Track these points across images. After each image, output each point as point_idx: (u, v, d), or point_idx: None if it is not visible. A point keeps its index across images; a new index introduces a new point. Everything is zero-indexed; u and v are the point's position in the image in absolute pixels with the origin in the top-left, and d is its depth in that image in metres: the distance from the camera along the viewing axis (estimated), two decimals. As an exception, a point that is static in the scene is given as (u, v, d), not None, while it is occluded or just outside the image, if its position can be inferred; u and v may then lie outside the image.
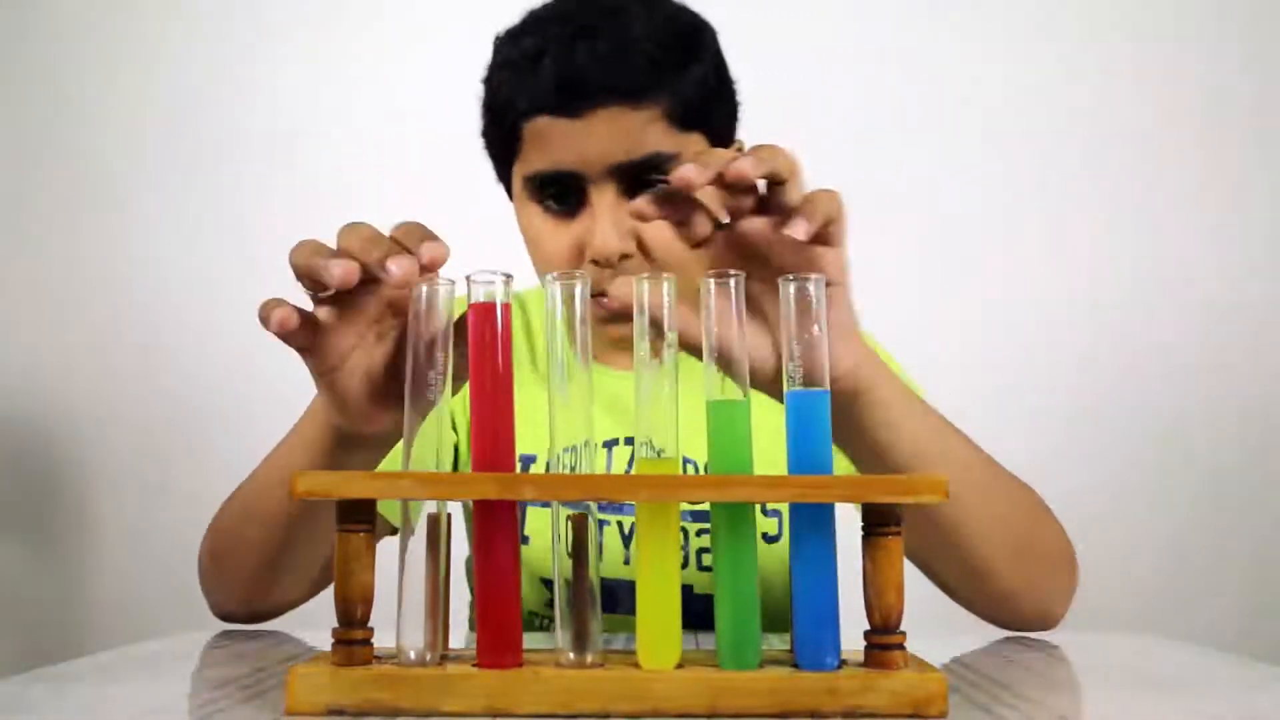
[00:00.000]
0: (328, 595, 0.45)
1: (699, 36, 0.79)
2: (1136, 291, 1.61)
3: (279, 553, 0.68)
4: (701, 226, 0.53)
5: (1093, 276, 1.61)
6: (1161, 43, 1.64)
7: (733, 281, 0.47)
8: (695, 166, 0.50)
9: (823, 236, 0.53)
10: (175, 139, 1.62)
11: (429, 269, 0.48)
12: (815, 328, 0.46)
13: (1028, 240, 1.61)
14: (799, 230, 0.51)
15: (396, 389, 0.54)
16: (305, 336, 0.52)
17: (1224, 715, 0.45)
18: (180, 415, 1.58)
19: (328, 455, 0.59)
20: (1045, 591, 0.69)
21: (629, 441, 0.85)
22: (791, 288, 0.47)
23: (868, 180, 1.55)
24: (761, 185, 0.53)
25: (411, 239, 0.49)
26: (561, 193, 0.77)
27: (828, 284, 0.51)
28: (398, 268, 0.47)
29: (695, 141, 0.77)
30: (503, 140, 0.80)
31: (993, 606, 0.68)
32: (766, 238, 0.54)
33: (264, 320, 0.51)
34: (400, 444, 0.61)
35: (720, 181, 0.51)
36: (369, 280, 0.51)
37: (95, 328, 1.60)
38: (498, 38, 0.80)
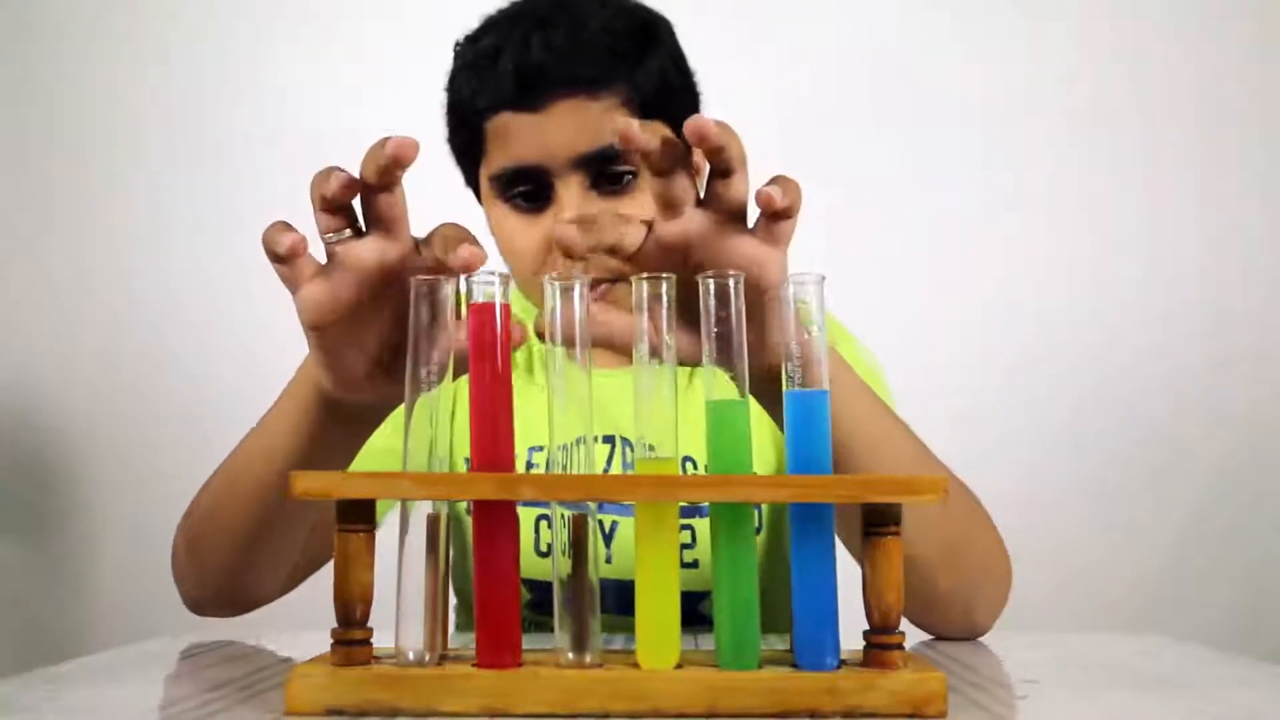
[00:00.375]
0: (326, 597, 0.45)
1: (654, 29, 0.80)
2: (1136, 293, 1.61)
3: (258, 532, 0.66)
4: (633, 237, 0.51)
5: (1093, 277, 1.61)
6: (1162, 43, 1.63)
7: (732, 283, 0.47)
8: (635, 125, 0.48)
9: (770, 232, 0.51)
10: (176, 139, 1.62)
11: (400, 163, 0.49)
12: (814, 328, 0.46)
13: (1027, 241, 1.61)
14: (775, 195, 0.49)
15: (387, 363, 0.53)
16: (309, 273, 0.51)
17: (1224, 715, 0.45)
18: (181, 415, 1.58)
19: (314, 422, 0.58)
20: (974, 600, 0.67)
21: (607, 439, 0.86)
22: (791, 289, 0.46)
23: (867, 180, 1.56)
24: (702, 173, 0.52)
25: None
26: (527, 189, 0.77)
27: (763, 291, 0.50)
28: (395, 146, 0.49)
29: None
30: (467, 142, 0.80)
31: (920, 610, 0.67)
32: (705, 232, 0.51)
33: (270, 244, 0.50)
34: (367, 445, 0.61)
35: (665, 149, 0.49)
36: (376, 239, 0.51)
37: (95, 328, 1.60)
38: (457, 43, 0.81)
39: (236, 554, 0.67)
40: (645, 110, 0.76)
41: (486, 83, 0.76)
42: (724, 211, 0.51)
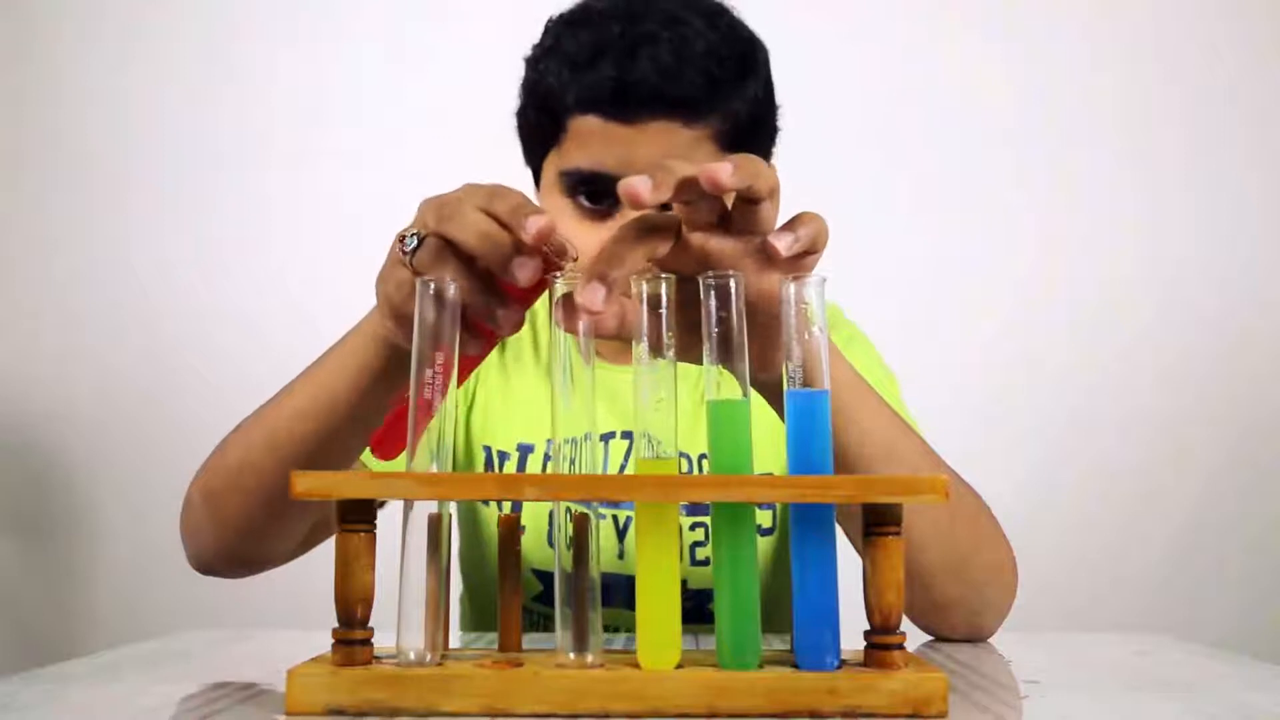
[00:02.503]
0: (326, 596, 0.45)
1: (754, 57, 0.78)
2: (1136, 293, 1.61)
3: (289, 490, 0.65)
4: (663, 249, 0.50)
5: (1093, 278, 1.61)
6: (1160, 44, 1.63)
7: (733, 283, 0.47)
8: (648, 183, 0.47)
9: (794, 264, 0.50)
10: (177, 139, 1.62)
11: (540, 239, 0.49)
12: (815, 329, 0.46)
13: (1028, 241, 1.61)
14: (782, 243, 0.48)
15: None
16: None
17: (1224, 715, 0.45)
18: (181, 415, 1.57)
19: (377, 374, 0.59)
20: (981, 606, 0.67)
21: (626, 435, 0.86)
22: (791, 288, 0.46)
23: (870, 178, 1.56)
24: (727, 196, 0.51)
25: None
26: (597, 192, 0.76)
27: (777, 315, 0.48)
28: (534, 225, 0.49)
29: None
30: (543, 128, 0.78)
31: (925, 615, 0.67)
32: (726, 256, 0.51)
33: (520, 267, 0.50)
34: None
35: (680, 194, 0.48)
36: None
37: (96, 327, 1.60)
38: (551, 21, 0.79)
39: (263, 512, 0.66)
40: (733, 141, 0.75)
41: (582, 81, 0.74)
42: (748, 235, 0.51)
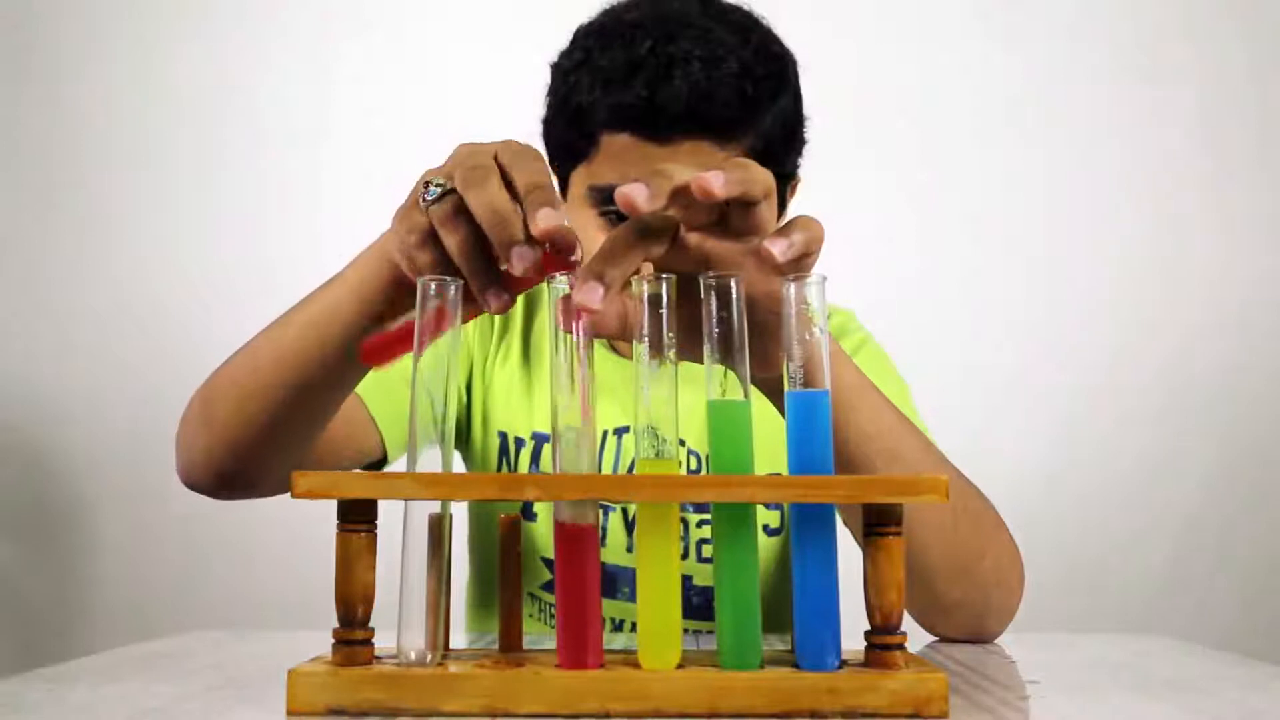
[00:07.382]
0: (327, 596, 0.45)
1: (785, 72, 0.78)
2: (1138, 294, 1.61)
3: (288, 400, 0.64)
4: (658, 251, 0.50)
5: (1097, 279, 1.61)
6: (1163, 45, 1.63)
7: (733, 283, 0.47)
8: (644, 191, 0.47)
9: (789, 269, 0.50)
10: (177, 140, 1.62)
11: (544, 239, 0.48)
12: (815, 329, 0.46)
13: (1036, 235, 1.61)
14: (777, 248, 0.48)
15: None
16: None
17: (1224, 715, 0.45)
18: (180, 415, 1.57)
19: (388, 290, 0.59)
20: (986, 609, 0.67)
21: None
22: (792, 288, 0.46)
23: (871, 178, 1.56)
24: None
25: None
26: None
27: (777, 314, 0.48)
28: (545, 220, 0.47)
29: None
30: (573, 142, 0.78)
31: (929, 616, 0.67)
32: (724, 258, 0.50)
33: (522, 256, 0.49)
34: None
35: (675, 202, 0.48)
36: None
37: (95, 326, 1.60)
38: (580, 32, 0.78)
39: (257, 424, 0.66)
40: (762, 157, 0.74)
41: (614, 99, 0.73)
42: (746, 236, 0.50)
